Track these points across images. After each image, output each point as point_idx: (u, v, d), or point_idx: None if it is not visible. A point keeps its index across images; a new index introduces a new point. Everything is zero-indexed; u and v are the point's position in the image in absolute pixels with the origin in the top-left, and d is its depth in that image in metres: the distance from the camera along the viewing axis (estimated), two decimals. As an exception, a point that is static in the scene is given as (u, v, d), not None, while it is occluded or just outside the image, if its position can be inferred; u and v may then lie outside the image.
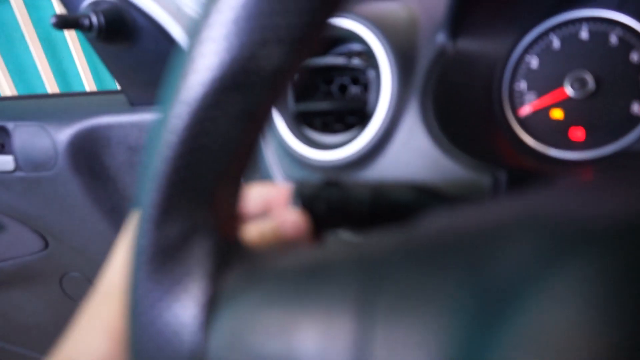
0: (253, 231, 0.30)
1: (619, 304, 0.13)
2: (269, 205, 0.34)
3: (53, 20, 0.61)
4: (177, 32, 0.65)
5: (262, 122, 0.20)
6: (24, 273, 0.96)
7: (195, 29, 0.18)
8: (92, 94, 0.85)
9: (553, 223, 0.17)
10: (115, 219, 0.83)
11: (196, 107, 0.18)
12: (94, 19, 0.63)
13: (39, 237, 0.90)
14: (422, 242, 0.18)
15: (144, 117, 0.73)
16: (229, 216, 0.21)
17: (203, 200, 0.20)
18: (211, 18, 0.17)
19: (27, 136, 0.78)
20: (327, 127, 0.48)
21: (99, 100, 0.80)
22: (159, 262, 0.19)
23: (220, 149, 0.19)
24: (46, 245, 0.91)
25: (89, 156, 0.77)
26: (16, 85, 2.00)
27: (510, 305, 0.14)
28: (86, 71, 2.11)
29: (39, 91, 2.06)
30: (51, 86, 2.06)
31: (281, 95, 0.20)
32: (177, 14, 0.66)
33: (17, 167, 0.80)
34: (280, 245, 0.30)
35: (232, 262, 0.21)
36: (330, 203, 0.32)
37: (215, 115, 0.18)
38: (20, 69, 2.03)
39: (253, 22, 0.17)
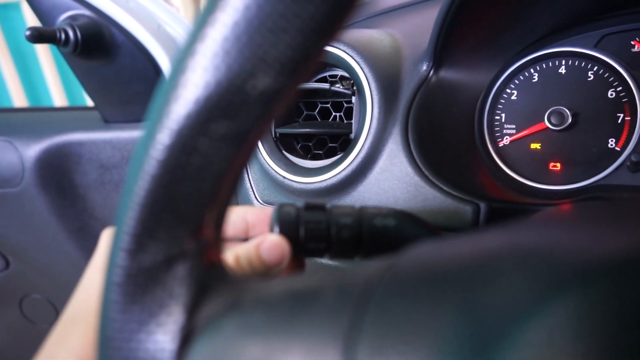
0: (230, 253, 0.29)
1: (607, 339, 0.13)
2: (248, 228, 0.34)
3: (27, 33, 0.59)
4: (157, 50, 0.64)
5: (248, 149, 0.19)
6: (-19, 294, 0.91)
7: (182, 55, 0.17)
8: (64, 109, 0.82)
9: (539, 258, 0.17)
10: (83, 240, 0.80)
11: (181, 134, 0.17)
12: (71, 34, 0.61)
13: (-1, 257, 0.86)
14: (407, 274, 0.17)
15: (118, 134, 0.71)
16: (213, 241, 0.20)
17: (187, 227, 0.19)
18: (200, 45, 0.17)
19: (-7, 151, 0.75)
20: (309, 151, 0.48)
21: (71, 116, 0.78)
22: (135, 288, 0.18)
23: (206, 176, 0.18)
24: (7, 265, 0.87)
25: (58, 173, 0.74)
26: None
27: (500, 343, 0.14)
28: (58, 86, 2.07)
29: (6, 104, 2.00)
30: (19, 100, 2.01)
31: (270, 122, 0.19)
32: (157, 32, 0.65)
33: (-20, 183, 0.77)
34: (261, 271, 0.29)
35: (212, 287, 0.20)
36: (311, 227, 0.31)
37: (200, 142, 0.17)
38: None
39: (242, 52, 0.16)
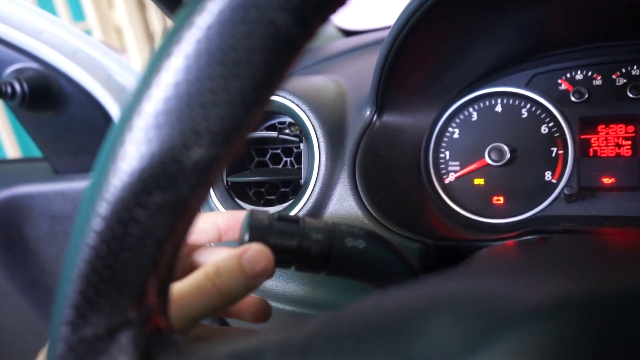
0: (211, 266, 0.28)
1: None
2: (220, 234, 0.33)
3: (-29, 88, 0.58)
4: (107, 100, 0.64)
5: (188, 217, 0.19)
6: None
7: (118, 128, 0.18)
8: (12, 161, 0.81)
9: (471, 306, 0.18)
10: (35, 295, 0.77)
11: (117, 205, 0.17)
12: (17, 87, 0.61)
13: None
14: (344, 332, 0.18)
15: (69, 185, 0.70)
16: (157, 307, 0.20)
17: (129, 296, 0.19)
18: (134, 119, 0.17)
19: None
20: (262, 197, 0.48)
21: (19, 169, 0.76)
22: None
23: (145, 246, 0.18)
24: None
25: (7, 228, 0.72)
26: None
27: None
28: (10, 136, 2.01)
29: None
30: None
31: (207, 190, 0.20)
32: (107, 81, 0.65)
33: None
34: (243, 283, 0.29)
35: (157, 356, 0.20)
36: (281, 238, 0.31)
37: (137, 213, 0.18)
38: None
39: (175, 125, 0.17)
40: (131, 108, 0.17)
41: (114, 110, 0.64)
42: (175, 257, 0.21)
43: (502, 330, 0.16)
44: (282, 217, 0.31)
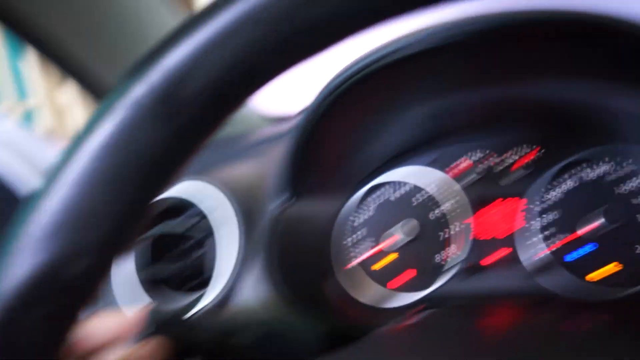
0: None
1: None
2: (118, 335, 0.34)
3: None
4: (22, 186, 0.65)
5: (69, 323, 0.21)
6: None
7: (8, 236, 0.19)
8: None
9: None
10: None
11: (5, 309, 0.19)
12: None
13: None
14: None
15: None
16: None
17: None
18: (21, 230, 0.19)
19: None
20: (177, 288, 0.50)
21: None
22: None
23: (29, 351, 0.20)
24: None
25: None
26: None
27: None
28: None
29: None
30: None
31: (92, 297, 0.21)
32: (25, 165, 0.67)
33: None
34: None
35: None
36: (179, 336, 0.32)
37: (22, 319, 0.19)
38: None
39: (64, 234, 0.19)
40: (22, 217, 0.19)
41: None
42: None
43: None
44: (179, 314, 0.34)
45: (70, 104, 2.30)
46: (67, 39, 0.57)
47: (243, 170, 0.56)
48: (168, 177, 0.20)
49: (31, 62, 2.15)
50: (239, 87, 0.19)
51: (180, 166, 0.20)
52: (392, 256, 0.53)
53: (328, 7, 0.17)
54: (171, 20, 0.69)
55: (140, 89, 0.18)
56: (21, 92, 2.18)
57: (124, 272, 0.51)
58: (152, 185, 0.20)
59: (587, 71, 0.45)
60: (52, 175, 0.19)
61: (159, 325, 0.33)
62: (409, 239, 0.52)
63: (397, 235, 0.52)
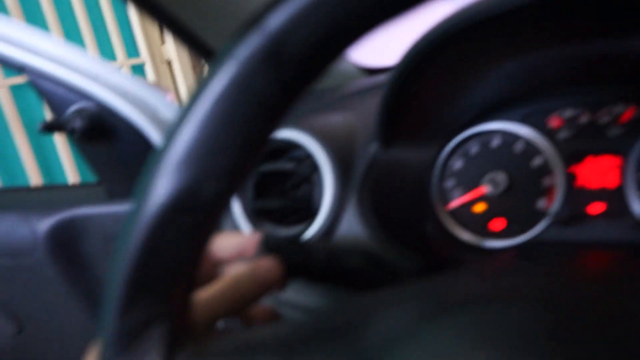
0: (230, 277, 0.35)
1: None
2: (241, 251, 0.39)
3: (40, 126, 0.68)
4: (153, 134, 0.73)
5: (207, 235, 0.25)
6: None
7: (155, 160, 0.23)
8: (72, 187, 0.91)
9: (414, 304, 0.23)
10: (89, 306, 0.86)
11: (153, 223, 0.23)
12: (77, 124, 0.71)
13: (13, 323, 0.92)
14: (323, 328, 0.24)
15: (120, 208, 0.79)
16: (182, 308, 0.27)
17: (160, 296, 0.25)
18: (166, 156, 0.23)
19: (8, 225, 0.83)
20: (281, 221, 0.55)
21: (79, 193, 0.86)
22: (122, 346, 0.24)
23: (173, 257, 0.24)
24: (20, 330, 0.93)
25: (68, 245, 0.82)
26: (0, 174, 2.04)
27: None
28: (71, 162, 2.17)
29: (22, 181, 2.10)
30: (34, 176, 2.11)
31: (222, 214, 0.26)
32: (152, 117, 0.74)
33: (-3, 256, 0.85)
34: (257, 293, 0.35)
35: (182, 344, 0.26)
36: (293, 255, 0.37)
37: (168, 231, 0.23)
38: (3, 158, 2.08)
39: (196, 163, 0.23)
40: (163, 150, 0.24)
41: (157, 142, 0.73)
42: (196, 267, 0.27)
43: (441, 317, 0.21)
44: (293, 239, 0.38)
45: (173, 59, 2.44)
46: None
47: (338, 119, 0.59)
48: (278, 119, 0.23)
49: (137, 22, 2.31)
50: (334, 43, 0.22)
51: (286, 109, 0.23)
52: (492, 202, 0.54)
53: None
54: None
55: (254, 41, 0.22)
56: (130, 49, 2.36)
57: (235, 204, 0.57)
58: (267, 125, 0.23)
59: None
60: (183, 115, 0.23)
61: (272, 247, 0.37)
62: (504, 188, 0.53)
63: (495, 183, 0.53)
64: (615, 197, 0.49)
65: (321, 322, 0.25)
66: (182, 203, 0.23)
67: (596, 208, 0.50)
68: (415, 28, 0.47)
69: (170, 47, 2.40)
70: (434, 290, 0.25)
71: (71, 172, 2.18)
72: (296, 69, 0.22)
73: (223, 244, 0.40)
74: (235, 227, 0.56)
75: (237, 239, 0.39)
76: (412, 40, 0.47)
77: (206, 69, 0.24)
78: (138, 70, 2.39)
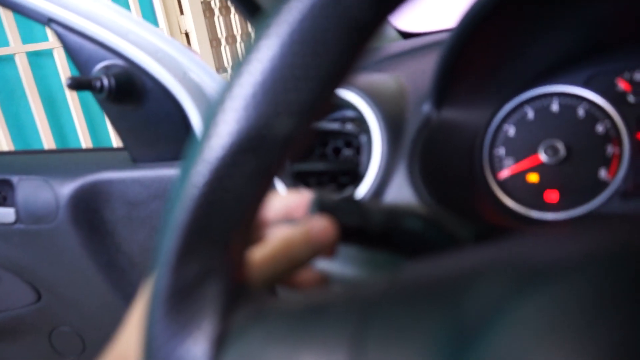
0: (280, 239, 0.32)
1: (571, 330, 0.16)
2: (289, 212, 0.36)
3: (68, 81, 0.65)
4: (183, 96, 0.70)
5: (271, 180, 0.23)
6: (13, 326, 0.95)
7: (219, 98, 0.21)
8: (95, 150, 0.88)
9: (515, 268, 0.20)
10: (110, 274, 0.84)
11: (216, 165, 0.21)
12: (105, 82, 0.67)
13: (32, 290, 0.91)
14: (405, 287, 0.21)
15: (146, 173, 0.76)
16: (239, 261, 0.24)
17: (218, 247, 0.23)
18: (233, 91, 0.21)
19: (30, 189, 0.81)
20: (322, 186, 0.52)
21: (102, 157, 0.83)
22: (175, 301, 0.22)
23: (235, 202, 0.22)
24: (39, 298, 0.92)
25: (89, 210, 0.79)
26: (14, 140, 2.03)
27: (482, 334, 0.17)
28: (84, 128, 2.16)
29: (36, 146, 2.09)
30: (48, 142, 2.10)
31: (288, 157, 0.23)
32: (183, 79, 0.71)
33: (18, 220, 0.82)
34: (308, 255, 0.32)
35: (240, 302, 0.23)
36: (347, 217, 0.34)
37: (232, 173, 0.21)
38: (19, 124, 2.07)
39: (268, 97, 0.20)
40: (232, 84, 0.21)
41: (189, 105, 0.70)
42: (254, 218, 0.24)
43: (536, 289, 0.18)
44: (347, 199, 0.35)
45: (190, 31, 2.41)
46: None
47: (385, 79, 0.56)
48: (368, 43, 0.21)
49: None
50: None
51: (376, 32, 0.20)
52: (546, 171, 0.51)
53: None
54: None
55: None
56: (150, 20, 2.32)
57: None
58: (356, 50, 0.21)
59: None
60: (256, 39, 0.20)
61: (325, 208, 0.34)
62: (563, 156, 0.49)
63: (558, 147, 0.49)
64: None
65: (399, 282, 0.22)
66: (249, 142, 0.21)
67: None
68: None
69: (189, 19, 2.36)
70: (527, 254, 0.22)
71: (85, 141, 2.17)
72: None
73: (270, 204, 0.36)
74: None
75: (285, 199, 0.36)
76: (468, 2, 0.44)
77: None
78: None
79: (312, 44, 0.20)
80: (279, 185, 0.52)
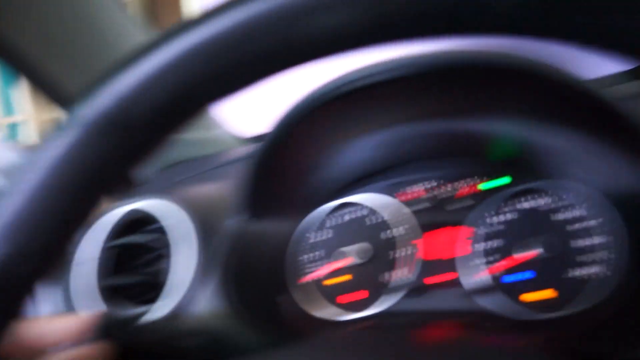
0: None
1: None
2: (67, 336, 0.36)
3: None
4: None
5: (7, 320, 0.23)
6: None
7: None
8: None
9: None
10: None
11: None
12: None
13: None
14: None
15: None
16: None
17: None
18: None
19: None
20: (132, 300, 0.52)
21: None
22: None
23: None
24: None
25: None
26: None
27: None
28: None
29: None
30: None
31: (26, 297, 0.24)
32: None
33: None
34: None
35: None
36: (126, 340, 0.35)
37: None
38: None
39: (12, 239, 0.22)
40: None
41: None
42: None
43: None
44: (135, 318, 0.36)
45: (54, 119, 2.32)
46: (37, 54, 0.60)
47: (208, 189, 0.59)
48: (103, 191, 0.23)
49: (19, 82, 2.19)
50: (179, 112, 0.22)
51: (111, 184, 0.23)
52: (345, 275, 0.56)
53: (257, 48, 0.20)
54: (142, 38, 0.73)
55: (88, 111, 0.21)
56: (7, 108, 2.21)
57: (86, 280, 0.53)
58: (88, 200, 0.23)
59: (530, 112, 0.50)
60: (14, 182, 0.22)
61: (108, 330, 0.35)
62: (362, 261, 0.55)
63: (351, 257, 0.55)
64: (450, 269, 0.53)
65: None
66: None
67: (433, 279, 0.53)
68: (289, 96, 0.49)
69: (54, 108, 2.29)
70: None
71: None
72: (136, 134, 0.22)
73: (47, 328, 0.36)
74: (70, 308, 0.52)
75: (65, 322, 0.37)
76: (282, 109, 0.49)
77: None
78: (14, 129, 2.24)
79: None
80: (90, 301, 0.52)
